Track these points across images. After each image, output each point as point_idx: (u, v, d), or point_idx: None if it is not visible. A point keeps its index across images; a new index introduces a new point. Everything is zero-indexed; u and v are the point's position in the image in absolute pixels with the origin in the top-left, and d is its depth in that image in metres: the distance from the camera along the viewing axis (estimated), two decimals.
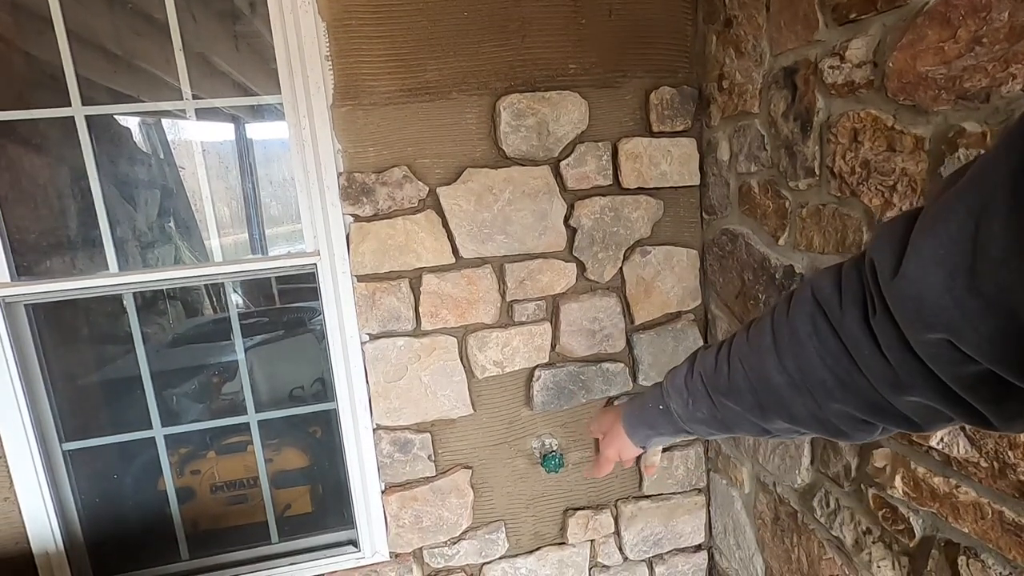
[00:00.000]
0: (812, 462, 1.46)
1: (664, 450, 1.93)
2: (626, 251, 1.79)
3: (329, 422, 1.95)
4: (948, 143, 0.97)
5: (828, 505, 1.41)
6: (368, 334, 1.69)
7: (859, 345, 0.47)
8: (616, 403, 0.85)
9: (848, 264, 0.50)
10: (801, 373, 0.53)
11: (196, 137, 1.66)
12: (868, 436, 0.54)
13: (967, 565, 1.04)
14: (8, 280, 1.53)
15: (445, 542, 1.85)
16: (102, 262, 1.62)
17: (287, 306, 2.95)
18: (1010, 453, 0.94)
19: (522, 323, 1.76)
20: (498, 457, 1.85)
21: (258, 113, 2.52)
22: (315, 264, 1.64)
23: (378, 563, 1.82)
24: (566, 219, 1.73)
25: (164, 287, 2.01)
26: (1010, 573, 0.97)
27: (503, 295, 1.74)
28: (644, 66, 1.71)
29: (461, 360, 1.75)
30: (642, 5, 1.67)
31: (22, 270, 1.59)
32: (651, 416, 0.77)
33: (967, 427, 1.01)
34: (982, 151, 0.91)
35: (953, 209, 0.37)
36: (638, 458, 0.91)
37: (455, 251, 1.68)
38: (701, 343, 1.88)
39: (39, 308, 1.62)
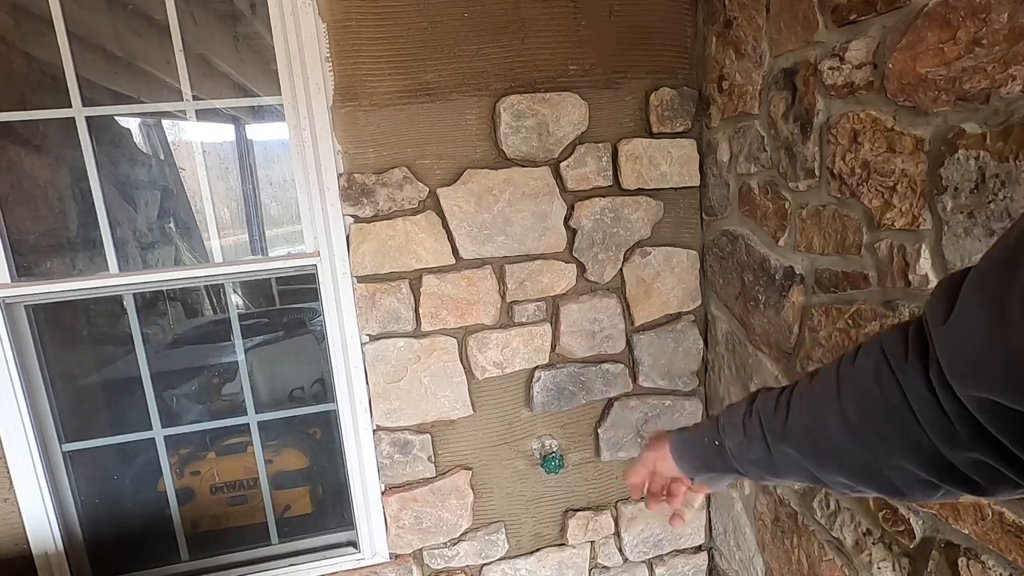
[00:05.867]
0: None
1: None
2: (626, 252, 1.79)
3: (329, 423, 1.95)
4: (948, 144, 0.97)
5: (828, 506, 1.41)
6: (368, 335, 1.69)
7: (919, 396, 0.46)
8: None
9: (917, 321, 0.50)
10: (861, 422, 0.52)
11: (196, 138, 1.66)
12: (928, 497, 0.52)
13: (967, 566, 1.04)
14: (8, 281, 1.53)
15: (445, 543, 1.85)
16: (102, 263, 1.62)
17: (287, 307, 2.95)
18: None
19: (522, 324, 1.76)
20: (498, 458, 1.85)
21: (258, 114, 2.52)
22: (315, 265, 1.64)
23: (378, 564, 1.82)
24: (566, 220, 1.73)
25: (164, 288, 2.01)
26: (1010, 574, 0.97)
27: (503, 296, 1.74)
28: (644, 67, 1.71)
29: (461, 361, 1.75)
30: (642, 6, 1.67)
31: (22, 271, 1.59)
32: (705, 450, 0.74)
33: None
34: (981, 153, 0.91)
35: (999, 260, 0.38)
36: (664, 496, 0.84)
37: (455, 252, 1.68)
38: (701, 344, 1.89)
39: (39, 309, 1.62)
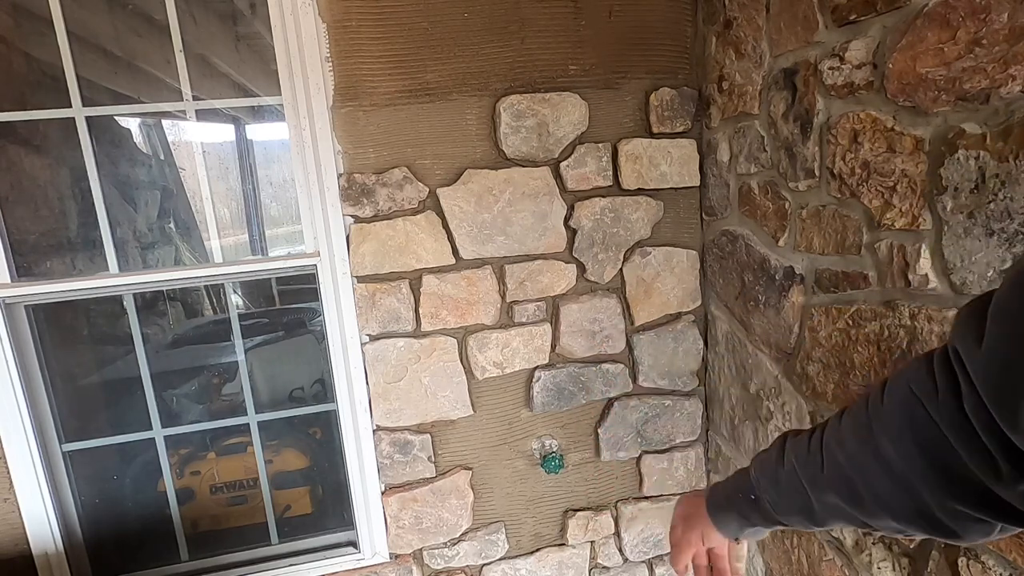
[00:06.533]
0: None
1: (664, 451, 1.94)
2: (626, 252, 1.79)
3: (329, 423, 1.95)
4: (948, 144, 0.97)
5: None
6: (368, 335, 1.69)
7: (958, 433, 0.44)
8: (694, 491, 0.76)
9: (939, 352, 0.48)
10: (902, 466, 0.49)
11: (196, 138, 1.66)
12: (986, 536, 0.49)
13: (967, 566, 1.04)
14: (8, 281, 1.53)
15: (445, 543, 1.85)
16: (102, 263, 1.62)
17: (287, 307, 2.95)
18: None
19: (522, 324, 1.76)
20: (498, 458, 1.85)
21: (258, 114, 2.52)
22: (315, 265, 1.64)
23: (378, 564, 1.82)
24: (566, 220, 1.73)
25: (164, 288, 2.01)
26: (1010, 574, 0.97)
27: (503, 296, 1.74)
28: (644, 67, 1.71)
29: (461, 361, 1.75)
30: (642, 7, 1.67)
31: (22, 271, 1.59)
32: (743, 507, 0.70)
33: None
34: (982, 153, 0.91)
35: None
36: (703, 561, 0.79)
37: (455, 252, 1.68)
38: (701, 344, 1.89)
39: (39, 309, 1.62)
